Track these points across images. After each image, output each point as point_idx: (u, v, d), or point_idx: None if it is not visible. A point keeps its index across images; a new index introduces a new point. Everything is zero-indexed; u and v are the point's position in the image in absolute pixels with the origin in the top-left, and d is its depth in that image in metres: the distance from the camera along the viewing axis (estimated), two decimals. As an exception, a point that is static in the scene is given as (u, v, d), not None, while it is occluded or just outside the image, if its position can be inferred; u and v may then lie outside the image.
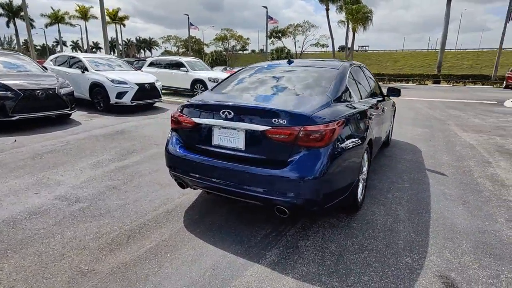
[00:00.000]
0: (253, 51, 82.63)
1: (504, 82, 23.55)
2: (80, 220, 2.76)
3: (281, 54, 46.76)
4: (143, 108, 9.16)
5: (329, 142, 2.23)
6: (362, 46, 68.35)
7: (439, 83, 28.15)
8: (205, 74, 12.22)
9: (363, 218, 2.85)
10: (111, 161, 4.38)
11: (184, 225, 2.71)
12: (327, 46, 34.20)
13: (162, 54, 60.33)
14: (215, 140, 2.53)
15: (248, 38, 43.42)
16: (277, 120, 2.25)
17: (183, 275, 2.06)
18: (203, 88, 11.83)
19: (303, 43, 35.56)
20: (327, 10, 28.95)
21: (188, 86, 12.25)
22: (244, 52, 61.52)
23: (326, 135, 2.21)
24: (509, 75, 22.73)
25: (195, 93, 12.02)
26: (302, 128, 2.19)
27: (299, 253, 2.31)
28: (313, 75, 3.08)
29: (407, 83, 29.26)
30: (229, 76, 3.49)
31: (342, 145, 2.36)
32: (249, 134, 2.36)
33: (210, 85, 11.79)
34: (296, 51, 36.35)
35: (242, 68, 3.69)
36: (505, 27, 25.23)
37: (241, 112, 2.39)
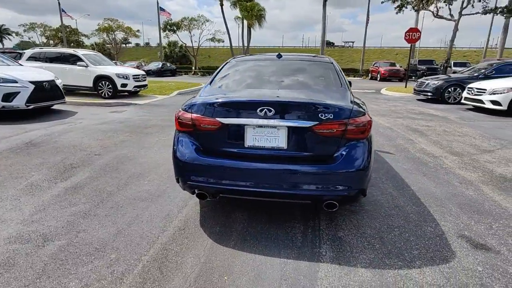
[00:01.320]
0: (137, 44, 76.61)
1: (369, 74, 28.98)
2: (73, 264, 2.08)
3: (175, 48, 44.88)
4: (39, 112, 7.37)
5: (368, 133, 2.33)
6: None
7: (322, 76, 32.38)
8: (111, 69, 10.67)
9: (369, 200, 3.11)
10: (52, 182, 3.41)
11: (213, 241, 2.38)
12: (223, 41, 34.77)
13: (18, 45, 49.08)
14: (249, 141, 2.29)
15: (138, 30, 39.66)
16: (324, 115, 2.20)
17: None
18: (110, 86, 10.33)
19: (199, 38, 35.02)
20: (222, 5, 29.24)
21: (90, 84, 10.45)
22: (127, 45, 56.38)
23: (368, 126, 2.30)
24: (373, 69, 28.06)
25: (100, 92, 10.38)
26: (350, 121, 2.22)
27: (348, 244, 2.36)
28: (315, 68, 3.12)
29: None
30: (219, 71, 3.18)
31: (370, 134, 2.50)
32: (292, 131, 2.24)
33: (119, 82, 10.39)
34: (192, 46, 35.45)
35: (227, 62, 3.41)
36: (366, 31, 30.84)
37: (283, 109, 2.23)
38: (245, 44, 29.02)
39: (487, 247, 2.33)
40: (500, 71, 10.60)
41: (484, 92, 8.65)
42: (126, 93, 11.17)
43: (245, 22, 27.23)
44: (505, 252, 2.26)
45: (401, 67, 26.78)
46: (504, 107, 8.20)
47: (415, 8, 15.29)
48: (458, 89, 10.68)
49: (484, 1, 13.35)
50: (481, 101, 8.71)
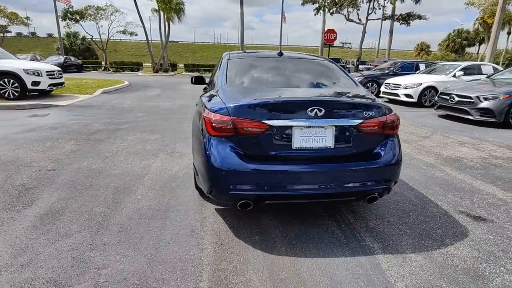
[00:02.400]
0: (19, 34, 64.82)
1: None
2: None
3: (76, 40, 39.31)
4: None
5: (398, 129, 2.51)
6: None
7: (244, 73, 33.10)
8: (16, 64, 8.72)
9: (371, 189, 3.36)
10: (12, 211, 2.66)
11: (262, 251, 2.23)
12: (136, 35, 31.85)
13: None
14: (297, 143, 2.21)
15: (28, 18, 32.81)
16: (367, 113, 2.27)
17: None
18: (16, 85, 8.44)
19: (108, 29, 31.25)
20: (133, -6, 26.64)
21: (-14, 82, 8.35)
22: (5, 34, 47.01)
23: (398, 122, 2.47)
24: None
25: (2, 92, 8.40)
26: (387, 118, 2.34)
27: (384, 233, 2.51)
28: (323, 67, 3.16)
29: (219, 73, 32.46)
30: (226, 69, 2.92)
31: None
32: (339, 130, 2.25)
33: (28, 79, 8.60)
34: (101, 38, 31.48)
35: (229, 59, 3.16)
36: (281, 30, 32.57)
37: (331, 108, 2.21)
38: (163, 39, 27.37)
39: (482, 218, 2.79)
40: (404, 68, 12.65)
41: (399, 87, 10.19)
42: (36, 93, 9.35)
43: (164, 15, 25.62)
44: (496, 220, 2.75)
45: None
46: (415, 99, 9.82)
47: (331, 11, 16.98)
48: (375, 84, 12.32)
49: (384, 9, 15.68)
50: (397, 95, 10.24)
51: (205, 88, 4.76)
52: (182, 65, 33.23)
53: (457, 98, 7.28)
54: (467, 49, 56.44)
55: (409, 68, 12.86)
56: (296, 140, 2.21)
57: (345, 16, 16.95)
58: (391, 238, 2.43)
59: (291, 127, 2.19)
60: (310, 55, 3.55)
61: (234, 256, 2.17)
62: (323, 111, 2.18)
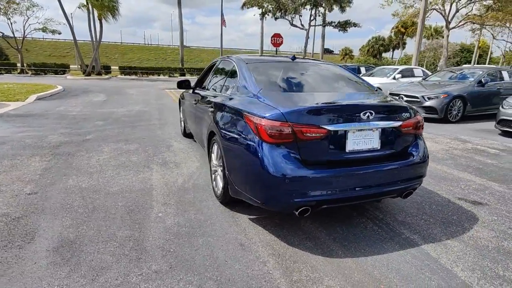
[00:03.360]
0: None
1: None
2: None
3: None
4: None
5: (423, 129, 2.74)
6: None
7: (184, 75, 32.09)
8: None
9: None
10: (12, 248, 2.17)
11: (325, 257, 2.22)
12: (60, 33, 28.13)
13: None
14: (349, 146, 2.27)
15: None
16: (404, 114, 2.44)
17: None
18: None
19: (23, 26, 26.98)
20: (55, -13, 23.56)
21: None
22: None
23: (423, 122, 2.70)
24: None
25: None
26: (418, 119, 2.55)
27: (415, 225, 2.71)
28: (340, 72, 3.26)
29: (159, 75, 30.92)
30: (249, 73, 2.82)
31: None
32: (384, 132, 2.37)
33: None
34: (14, 37, 27.08)
35: (247, 63, 3.05)
36: (221, 33, 32.47)
37: (379, 111, 2.32)
38: (94, 39, 24.97)
39: (479, 202, 3.22)
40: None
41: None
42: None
43: (92, 12, 23.32)
44: (489, 203, 3.20)
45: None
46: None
47: (276, 16, 17.59)
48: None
49: (324, 17, 16.87)
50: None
51: (193, 90, 4.54)
52: (117, 67, 30.79)
53: (405, 98, 8.22)
54: (384, 54, 63.90)
55: (352, 71, 14.05)
56: (349, 143, 2.27)
57: (289, 21, 17.77)
58: (422, 229, 2.65)
59: (346, 131, 2.24)
60: (318, 60, 3.67)
61: (300, 265, 2.12)
62: (373, 114, 2.28)
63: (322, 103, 2.30)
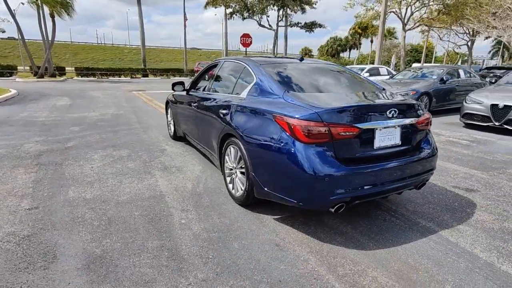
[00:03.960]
0: None
1: (195, 74, 30.40)
2: None
3: None
4: None
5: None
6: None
7: (147, 76, 30.89)
8: None
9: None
10: (37, 267, 1.98)
11: (359, 250, 2.32)
12: (3, 31, 25.34)
13: None
14: (377, 143, 2.39)
15: None
16: (419, 112, 2.62)
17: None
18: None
19: (-41, 23, 23.93)
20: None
21: None
22: None
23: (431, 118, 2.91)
24: (198, 68, 29.61)
25: None
26: (428, 115, 2.75)
27: (426, 214, 2.92)
28: (348, 72, 3.38)
29: (120, 77, 29.41)
30: (268, 76, 2.82)
31: None
32: (404, 128, 2.52)
33: None
34: None
35: (261, 65, 3.04)
36: (185, 32, 31.80)
37: (401, 109, 2.46)
38: (45, 38, 23.02)
39: (471, 189, 3.55)
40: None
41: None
42: None
43: (42, 8, 21.43)
44: (479, 189, 3.54)
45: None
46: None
47: (244, 16, 17.60)
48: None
49: (290, 18, 17.28)
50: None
51: (187, 91, 4.44)
52: (72, 68, 28.76)
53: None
54: (341, 54, 66.97)
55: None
56: (377, 140, 2.39)
57: (257, 21, 17.90)
58: (433, 216, 2.86)
59: (374, 128, 2.35)
60: (323, 61, 3.78)
61: (340, 260, 2.19)
62: (397, 112, 2.42)
63: (353, 103, 2.40)
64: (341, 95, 2.82)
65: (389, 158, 2.47)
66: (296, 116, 2.25)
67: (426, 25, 22.25)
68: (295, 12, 17.47)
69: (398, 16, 20.13)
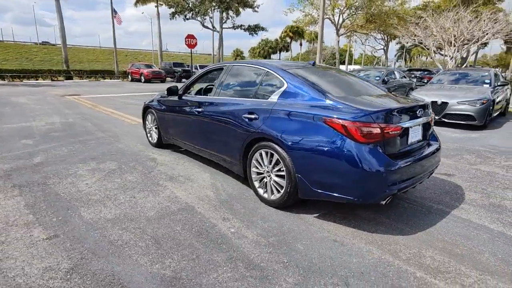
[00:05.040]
0: None
1: (129, 76, 28.31)
2: None
3: None
4: None
5: None
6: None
7: (72, 79, 27.64)
8: None
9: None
10: None
11: (399, 236, 2.59)
12: None
13: None
14: (410, 139, 2.71)
15: None
16: (429, 111, 3.03)
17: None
18: None
19: None
20: None
21: None
22: None
23: None
24: (133, 71, 27.62)
25: None
26: (433, 113, 3.19)
27: (436, 200, 3.38)
28: (358, 78, 3.64)
29: (37, 79, 25.65)
30: (300, 81, 2.91)
31: None
32: (423, 125, 2.90)
33: None
34: None
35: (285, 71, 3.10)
36: (114, 32, 29.27)
37: (424, 109, 2.82)
38: None
39: (448, 174, 4.19)
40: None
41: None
42: None
43: None
44: (454, 174, 4.20)
45: (160, 69, 28.34)
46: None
47: (187, 17, 17.04)
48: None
49: (233, 20, 17.43)
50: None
51: (180, 96, 4.26)
52: (-29, 70, 24.08)
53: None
54: (272, 56, 69.76)
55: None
56: (410, 137, 2.71)
57: (201, 22, 17.54)
58: (439, 199, 3.33)
59: (409, 127, 2.66)
60: (329, 66, 3.99)
61: (396, 246, 2.42)
62: (421, 112, 2.78)
63: (395, 105, 2.67)
64: (373, 97, 3.04)
65: (417, 152, 2.82)
66: (352, 118, 2.41)
67: (355, 31, 25.01)
68: (237, 15, 17.71)
69: (332, 23, 22.13)
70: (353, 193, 2.47)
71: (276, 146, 2.84)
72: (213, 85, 4.85)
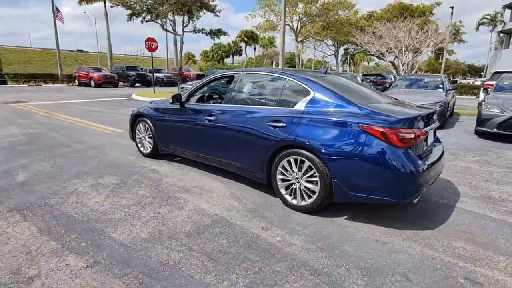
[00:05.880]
0: None
1: (76, 81, 26.07)
2: None
3: None
4: None
5: None
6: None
7: (6, 83, 24.59)
8: None
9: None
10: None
11: (429, 230, 2.84)
12: None
13: None
14: (428, 142, 2.99)
15: None
16: (435, 116, 3.37)
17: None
18: None
19: None
20: None
21: None
22: None
23: None
24: (80, 74, 25.49)
25: None
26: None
27: (433, 194, 3.73)
28: (361, 83, 3.85)
29: (-38, 84, 22.31)
30: (325, 87, 3.03)
31: None
32: (433, 130, 3.21)
33: None
34: None
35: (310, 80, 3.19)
36: (56, 31, 26.73)
37: (433, 115, 3.12)
38: None
39: (435, 171, 4.65)
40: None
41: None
42: None
43: None
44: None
45: (112, 73, 26.56)
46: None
47: (145, 19, 16.23)
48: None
49: (193, 23, 17.12)
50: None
51: (182, 104, 4.14)
52: None
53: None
54: (226, 60, 69.83)
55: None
56: (428, 140, 2.99)
57: (161, 25, 16.83)
58: (440, 195, 3.69)
59: (429, 130, 2.93)
60: (336, 72, 4.17)
61: (429, 240, 2.65)
62: (433, 117, 3.08)
63: (421, 112, 2.91)
64: (391, 105, 3.24)
65: (431, 153, 3.12)
66: (389, 125, 2.59)
67: (313, 38, 26.34)
68: (197, 18, 17.43)
69: (291, 29, 22.98)
70: (392, 194, 2.65)
71: (308, 153, 2.92)
72: (214, 93, 4.81)
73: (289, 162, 3.11)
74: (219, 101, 4.53)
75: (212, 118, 3.77)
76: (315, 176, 2.93)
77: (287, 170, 3.15)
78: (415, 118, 2.78)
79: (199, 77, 28.73)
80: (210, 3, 16.28)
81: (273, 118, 3.19)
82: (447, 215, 3.16)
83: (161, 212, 3.03)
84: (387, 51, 16.01)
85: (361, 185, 2.73)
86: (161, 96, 15.47)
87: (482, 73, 38.80)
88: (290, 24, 22.51)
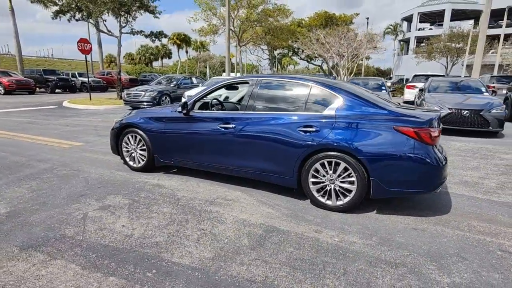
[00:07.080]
0: None
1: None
2: None
3: None
4: None
5: None
6: None
7: None
8: None
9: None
10: None
11: (446, 215, 3.27)
12: None
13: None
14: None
15: None
16: (431, 115, 3.88)
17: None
18: None
19: None
20: None
21: None
22: None
23: None
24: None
25: None
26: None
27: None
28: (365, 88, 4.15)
29: None
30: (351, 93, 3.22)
31: None
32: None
33: None
34: None
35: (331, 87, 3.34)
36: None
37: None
38: None
39: (411, 163, 5.32)
40: (183, 82, 14.17)
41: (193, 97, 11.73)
42: None
43: None
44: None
45: (26, 77, 22.87)
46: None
47: (76, 18, 14.33)
48: (167, 97, 12.89)
49: (130, 25, 15.95)
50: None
51: (187, 112, 3.97)
52: None
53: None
54: (154, 63, 66.31)
55: (187, 81, 14.59)
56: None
57: (94, 25, 15.09)
58: (443, 186, 4.26)
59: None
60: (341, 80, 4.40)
61: (457, 224, 3.08)
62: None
63: (436, 113, 3.31)
64: (403, 108, 3.54)
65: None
66: (420, 125, 2.93)
67: (254, 43, 27.04)
68: (134, 19, 16.29)
69: (234, 33, 23.07)
70: (425, 186, 2.99)
71: (344, 155, 3.09)
72: (216, 99, 4.66)
73: (322, 165, 3.24)
74: (228, 108, 4.45)
75: (230, 125, 3.67)
76: (351, 176, 3.12)
77: (318, 172, 3.27)
78: (436, 118, 3.20)
79: (132, 81, 26.84)
80: (150, 4, 15.37)
81: (305, 124, 3.28)
82: (448, 199, 3.68)
83: (205, 228, 2.85)
84: (330, 56, 17.58)
85: (399, 180, 3.02)
86: (100, 103, 14.03)
87: (390, 75, 44.93)
88: (233, 28, 22.73)
